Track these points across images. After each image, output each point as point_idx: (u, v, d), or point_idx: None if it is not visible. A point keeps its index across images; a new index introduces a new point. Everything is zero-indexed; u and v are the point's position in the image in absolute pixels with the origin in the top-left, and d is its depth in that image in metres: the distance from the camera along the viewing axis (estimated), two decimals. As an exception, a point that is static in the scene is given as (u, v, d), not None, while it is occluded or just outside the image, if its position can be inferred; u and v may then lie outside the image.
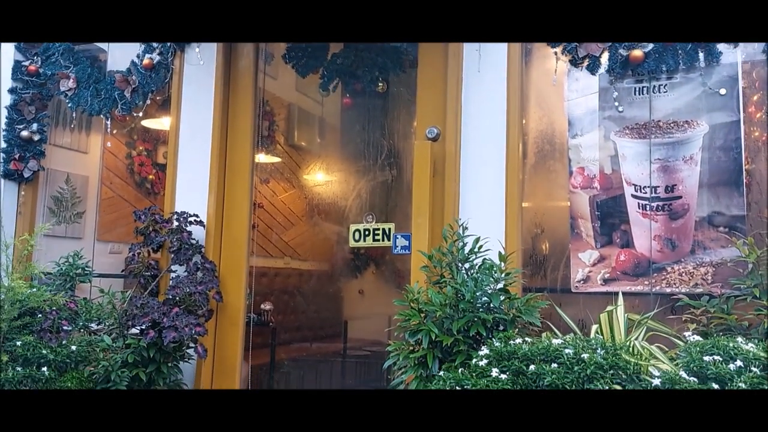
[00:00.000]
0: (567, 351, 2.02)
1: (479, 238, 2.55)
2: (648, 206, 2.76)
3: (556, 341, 2.10)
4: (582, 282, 2.87)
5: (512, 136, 2.95)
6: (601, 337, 2.27)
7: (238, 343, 3.48)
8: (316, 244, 6.78)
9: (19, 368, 2.75)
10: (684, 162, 2.71)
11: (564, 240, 2.99)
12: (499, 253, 2.52)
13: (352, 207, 5.86)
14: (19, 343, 2.81)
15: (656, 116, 2.77)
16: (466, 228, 2.60)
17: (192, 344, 3.10)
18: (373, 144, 5.70)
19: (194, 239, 3.44)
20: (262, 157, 5.55)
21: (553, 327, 2.46)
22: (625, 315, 2.37)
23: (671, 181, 2.73)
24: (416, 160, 3.05)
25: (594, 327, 2.37)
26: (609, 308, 2.36)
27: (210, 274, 3.37)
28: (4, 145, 3.82)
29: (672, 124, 2.75)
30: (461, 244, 2.57)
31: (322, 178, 6.59)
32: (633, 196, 2.80)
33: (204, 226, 3.50)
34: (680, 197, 2.71)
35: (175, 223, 3.44)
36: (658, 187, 2.74)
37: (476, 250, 2.54)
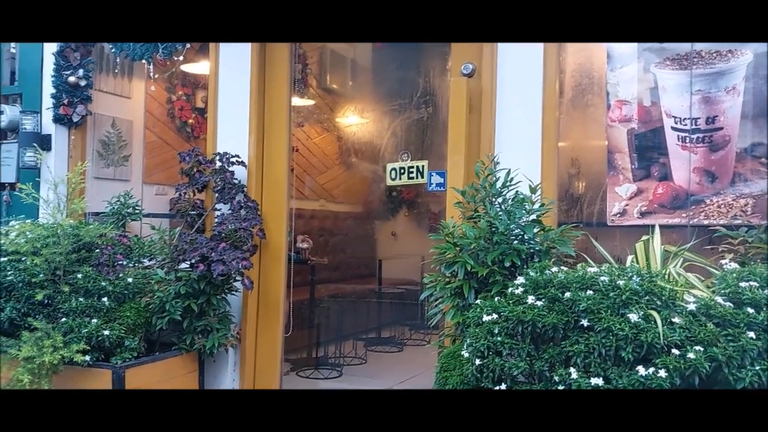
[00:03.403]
0: (602, 278, 2.07)
1: (510, 170, 2.58)
2: (688, 138, 2.75)
3: (591, 269, 2.16)
4: (618, 215, 2.90)
5: (549, 70, 2.94)
6: (637, 265, 2.31)
7: (280, 278, 3.63)
8: (351, 187, 6.88)
9: (81, 299, 2.94)
10: (726, 93, 2.67)
11: (600, 175, 3.01)
12: (530, 185, 2.55)
13: (388, 146, 5.91)
14: (80, 276, 2.99)
15: (698, 46, 2.73)
16: (498, 162, 2.63)
17: (238, 277, 3.25)
18: (408, 83, 5.68)
19: (236, 179, 3.55)
20: (296, 101, 5.60)
21: (588, 259, 2.51)
22: (662, 246, 2.40)
23: (712, 113, 2.70)
24: (452, 97, 3.07)
25: (629, 257, 2.42)
26: (644, 237, 2.40)
27: (253, 212, 3.49)
28: (53, 90, 3.95)
29: (714, 54, 2.70)
30: (494, 178, 2.61)
31: (356, 120, 6.62)
32: (672, 128, 2.79)
33: (245, 167, 3.61)
34: (721, 128, 2.69)
35: (218, 164, 3.55)
36: (699, 118, 2.72)
37: (508, 183, 2.57)
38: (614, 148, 2.93)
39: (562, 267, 2.26)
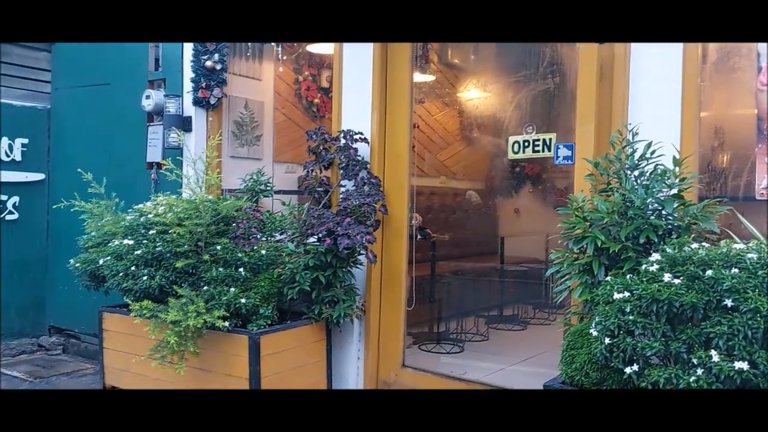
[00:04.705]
0: (750, 256, 1.91)
1: (651, 143, 2.44)
2: None
3: (737, 246, 2.00)
4: (768, 189, 2.65)
5: (690, 32, 2.71)
6: (791, 243, 2.11)
7: (402, 253, 3.69)
8: (472, 163, 6.80)
9: (220, 269, 3.17)
10: None
11: (748, 145, 2.76)
12: (674, 157, 2.39)
13: (512, 119, 5.75)
14: (219, 247, 3.22)
15: None
16: (637, 133, 2.49)
17: (362, 251, 3.35)
18: (533, 52, 5.48)
19: (360, 156, 3.64)
20: (417, 77, 5.60)
21: (733, 235, 2.32)
22: (821, 222, 2.17)
23: None
24: (581, 65, 2.94)
25: (782, 234, 2.21)
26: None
27: (375, 188, 3.57)
28: (192, 75, 4.23)
29: None
30: (630, 150, 2.47)
31: (478, 94, 6.50)
32: (836, 91, 2.49)
33: (368, 144, 3.68)
34: None
35: (342, 141, 3.65)
36: None
37: (647, 155, 2.43)
38: (765, 115, 2.67)
39: (703, 243, 2.10)
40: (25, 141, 4.98)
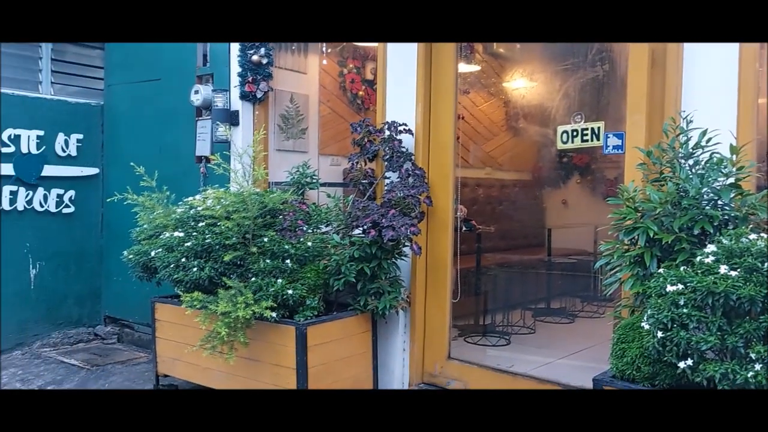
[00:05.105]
0: (813, 247, 1.83)
1: (706, 130, 2.35)
2: None
3: (799, 237, 1.91)
4: (834, 178, 2.52)
5: (749, 14, 2.60)
6: None
7: (447, 245, 3.67)
8: (518, 154, 6.71)
9: (268, 260, 3.21)
10: None
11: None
12: (730, 145, 2.30)
13: (559, 108, 5.64)
14: (266, 239, 3.27)
15: None
16: (691, 121, 2.41)
17: (407, 243, 3.35)
18: (582, 40, 5.36)
19: (404, 147, 3.63)
20: (462, 68, 5.55)
21: (795, 226, 2.22)
22: None
23: None
24: (632, 51, 2.85)
25: None
26: None
27: (420, 179, 3.55)
28: (239, 69, 4.30)
29: None
30: (684, 138, 2.40)
31: (525, 83, 6.40)
32: None
33: (412, 135, 3.66)
34: None
35: (387, 133, 3.65)
36: None
37: (702, 143, 2.35)
38: (830, 100, 2.54)
39: (762, 234, 2.02)
40: (80, 136, 5.15)
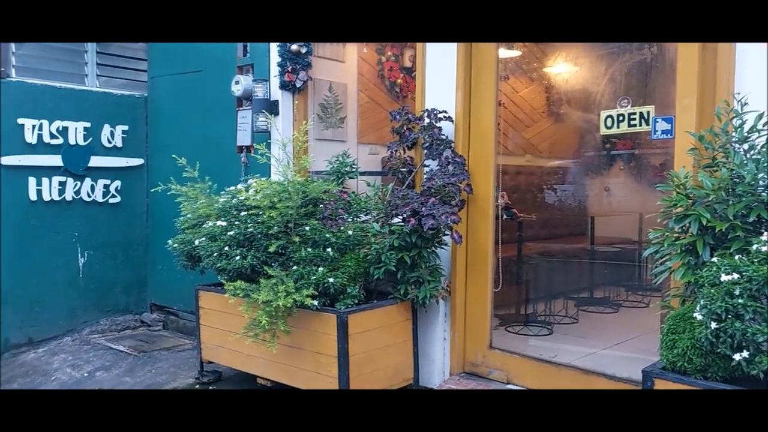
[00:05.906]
0: None
1: (763, 113, 2.26)
2: None
3: None
4: None
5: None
6: None
7: (488, 233, 3.63)
8: (560, 141, 6.58)
9: (309, 249, 3.23)
10: None
11: None
12: (790, 128, 2.20)
13: (604, 93, 5.50)
14: (307, 228, 3.28)
15: None
16: (746, 104, 2.31)
17: (447, 231, 3.32)
18: (629, 21, 5.21)
19: (444, 135, 3.59)
20: (502, 53, 5.45)
21: None
22: None
23: None
24: (682, 33, 2.75)
25: None
26: None
27: (460, 167, 3.51)
28: (279, 59, 4.31)
29: None
30: (738, 122, 2.30)
31: (567, 68, 6.26)
32: None
33: (452, 122, 3.62)
34: None
35: (426, 120, 3.61)
36: None
37: (758, 127, 2.26)
38: None
39: (824, 222, 1.93)
40: (125, 128, 5.26)
